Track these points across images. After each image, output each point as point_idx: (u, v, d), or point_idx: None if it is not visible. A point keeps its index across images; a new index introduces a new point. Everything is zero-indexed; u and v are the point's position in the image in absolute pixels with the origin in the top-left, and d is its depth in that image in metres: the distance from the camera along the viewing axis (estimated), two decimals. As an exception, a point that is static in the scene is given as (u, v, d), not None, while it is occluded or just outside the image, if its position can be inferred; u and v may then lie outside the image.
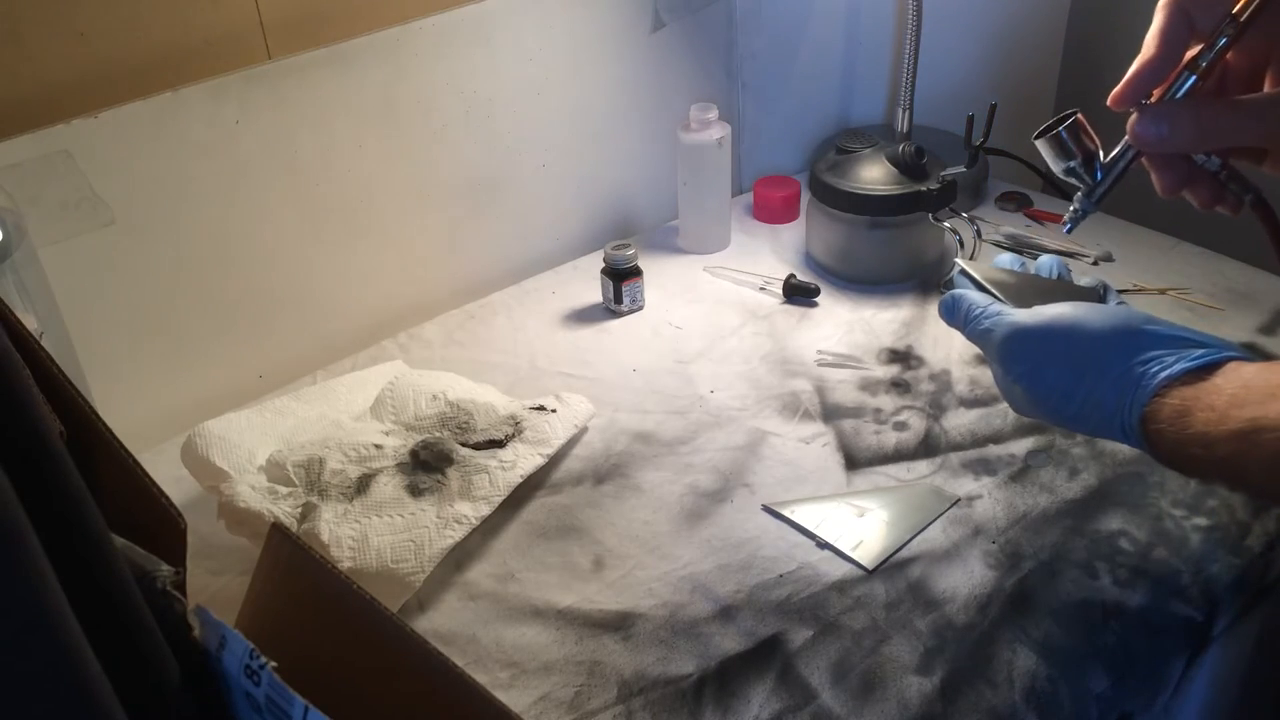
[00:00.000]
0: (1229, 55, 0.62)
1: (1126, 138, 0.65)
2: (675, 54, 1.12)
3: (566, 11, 1.02)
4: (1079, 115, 0.68)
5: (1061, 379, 0.64)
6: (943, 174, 1.01)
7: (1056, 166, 0.70)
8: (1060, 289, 0.73)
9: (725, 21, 1.14)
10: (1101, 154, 0.69)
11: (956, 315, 0.73)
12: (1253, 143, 0.63)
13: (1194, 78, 0.62)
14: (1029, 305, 0.70)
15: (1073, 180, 0.70)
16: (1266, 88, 0.63)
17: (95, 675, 0.34)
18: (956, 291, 0.74)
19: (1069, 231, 0.73)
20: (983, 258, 0.80)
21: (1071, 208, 0.72)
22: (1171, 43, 0.62)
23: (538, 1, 1.00)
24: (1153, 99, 0.63)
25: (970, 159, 0.92)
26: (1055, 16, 1.37)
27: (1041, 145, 0.69)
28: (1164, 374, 0.59)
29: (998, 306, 0.70)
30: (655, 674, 0.68)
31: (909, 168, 1.02)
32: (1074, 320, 0.65)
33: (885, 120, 1.29)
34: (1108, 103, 0.64)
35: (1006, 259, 0.77)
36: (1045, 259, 0.77)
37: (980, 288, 0.74)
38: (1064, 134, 0.68)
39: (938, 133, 1.22)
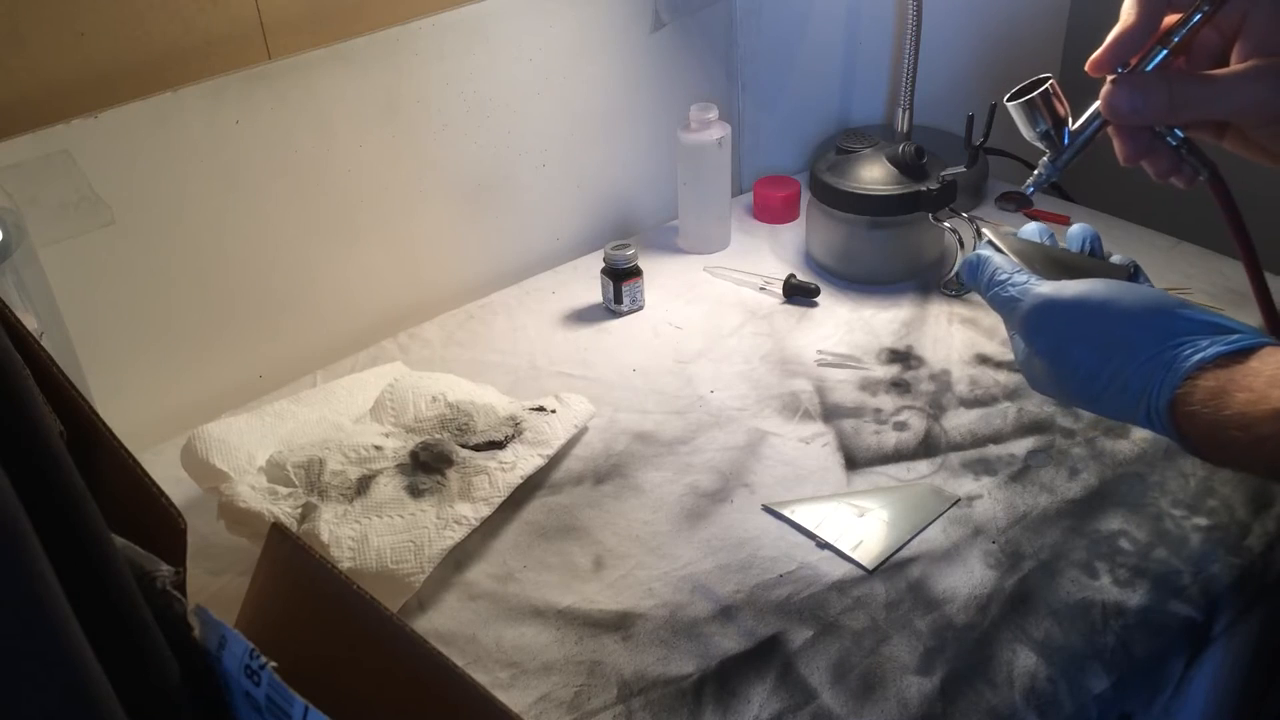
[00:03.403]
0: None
1: (1096, 106, 0.66)
2: (675, 54, 1.12)
3: (566, 11, 1.02)
4: (1053, 81, 0.68)
5: (1087, 357, 0.63)
6: (943, 174, 1.01)
7: (1027, 131, 0.70)
8: (1089, 266, 0.71)
9: (725, 21, 1.14)
10: (1071, 121, 0.69)
11: (980, 277, 0.71)
12: (1222, 117, 0.64)
13: (1165, 51, 0.62)
14: (1057, 279, 0.68)
15: (1042, 144, 0.70)
16: (1233, 62, 0.63)
17: (95, 675, 0.34)
18: (982, 252, 0.72)
19: (1030, 194, 0.73)
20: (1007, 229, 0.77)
21: (1035, 171, 0.72)
22: (1149, 9, 0.62)
23: (538, 1, 1.00)
24: (1130, 66, 0.64)
25: (970, 159, 0.92)
26: (1055, 17, 1.37)
27: (1013, 109, 0.69)
28: (1197, 357, 0.58)
29: (1025, 275, 0.68)
30: (655, 674, 0.68)
31: (909, 168, 1.02)
32: (1105, 297, 0.63)
33: (885, 120, 1.29)
34: (1085, 68, 0.64)
35: (1033, 228, 0.74)
36: (1076, 228, 0.74)
37: None
38: (1037, 100, 0.68)
39: (938, 133, 1.22)
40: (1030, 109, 0.69)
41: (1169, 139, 0.65)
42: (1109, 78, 0.64)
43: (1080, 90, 0.69)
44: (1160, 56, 0.63)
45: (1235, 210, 0.66)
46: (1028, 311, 0.66)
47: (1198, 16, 0.61)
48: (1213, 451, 0.59)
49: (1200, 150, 0.66)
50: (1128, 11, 0.63)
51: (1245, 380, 0.56)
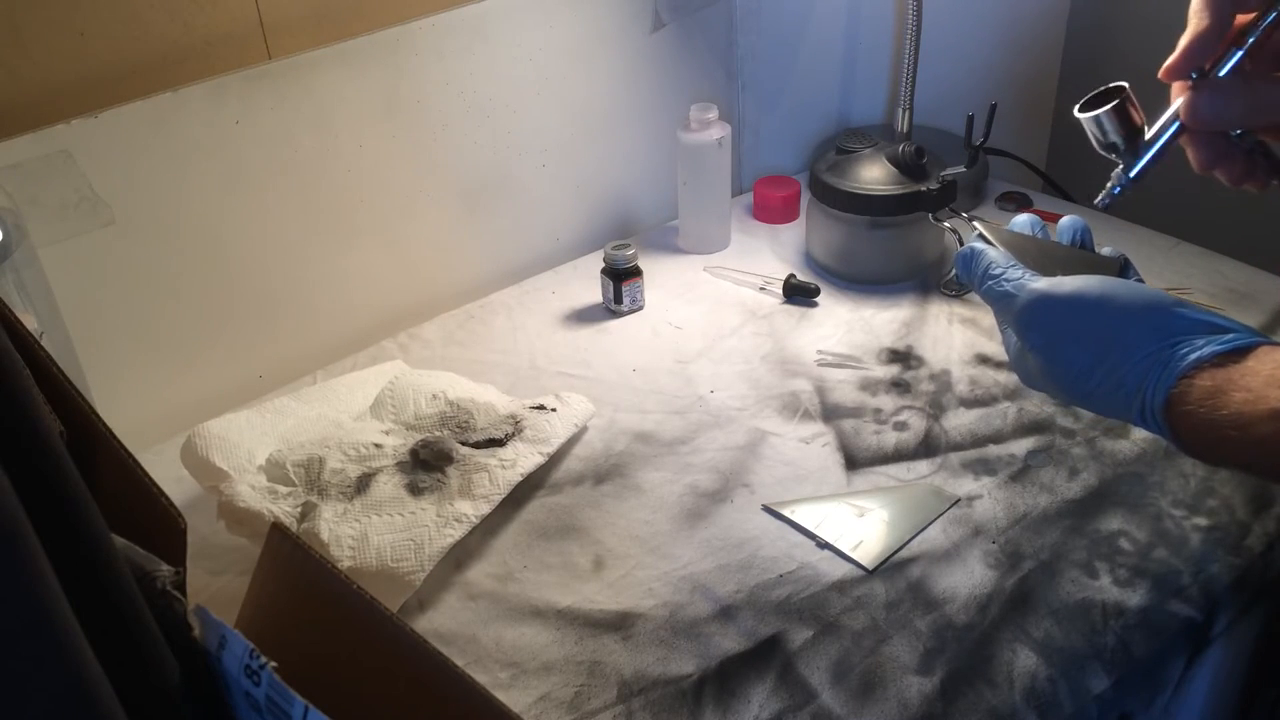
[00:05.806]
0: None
1: (1172, 112, 0.65)
2: (675, 54, 1.12)
3: (566, 11, 1.02)
4: (1128, 90, 0.66)
5: (1082, 354, 0.62)
6: (943, 174, 1.01)
7: (1098, 142, 0.68)
8: (1080, 259, 0.71)
9: (725, 21, 1.14)
10: (1147, 129, 0.67)
11: (973, 271, 0.70)
12: None
13: (1240, 53, 0.61)
14: (1050, 274, 0.67)
15: (1112, 156, 0.68)
16: None
17: (95, 675, 0.34)
18: (976, 245, 0.71)
19: (1105, 208, 0.70)
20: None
21: (1109, 185, 0.69)
22: (1220, 12, 0.61)
23: (538, 1, 1.00)
24: (1205, 71, 0.63)
25: (970, 159, 0.92)
26: (1055, 17, 1.37)
27: (1086, 121, 0.67)
28: (1193, 356, 0.58)
29: (1020, 270, 0.68)
30: (655, 674, 0.68)
31: (909, 168, 1.02)
32: (1102, 294, 0.63)
33: (885, 120, 1.29)
34: (1159, 75, 0.63)
35: (1024, 220, 0.74)
36: (1067, 220, 0.74)
37: None
38: (1114, 111, 0.66)
39: (938, 133, 1.22)
40: (1107, 120, 0.66)
41: (1242, 143, 0.64)
42: (1176, 83, 0.63)
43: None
44: (1236, 59, 0.62)
45: None
46: (1023, 307, 0.66)
47: (1272, 15, 0.60)
48: (1208, 451, 0.59)
49: (1273, 153, 0.64)
50: (1199, 15, 0.62)
51: (1242, 380, 0.55)
